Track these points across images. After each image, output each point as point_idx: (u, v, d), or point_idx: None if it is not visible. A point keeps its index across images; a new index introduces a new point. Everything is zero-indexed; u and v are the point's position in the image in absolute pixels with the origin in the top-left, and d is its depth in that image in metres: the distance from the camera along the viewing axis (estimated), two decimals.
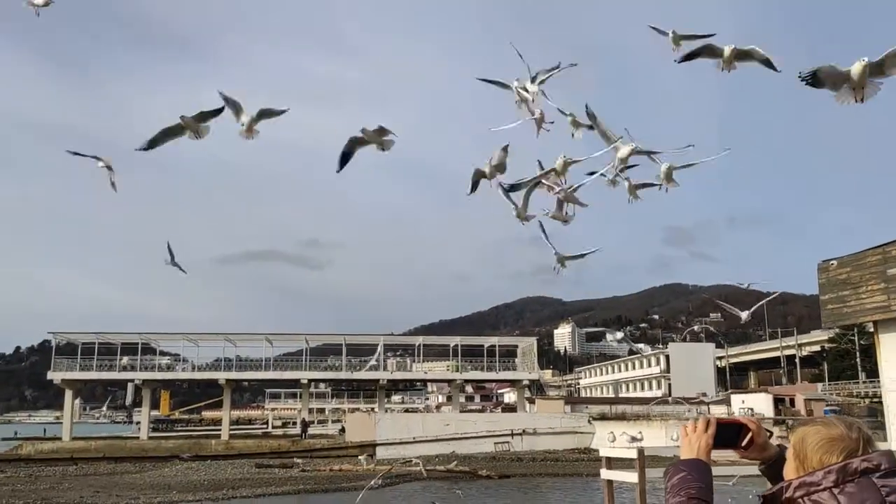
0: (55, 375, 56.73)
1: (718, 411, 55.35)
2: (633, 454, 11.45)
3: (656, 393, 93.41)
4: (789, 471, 2.14)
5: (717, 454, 2.34)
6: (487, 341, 64.82)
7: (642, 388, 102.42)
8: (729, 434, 2.30)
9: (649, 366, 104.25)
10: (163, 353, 63.22)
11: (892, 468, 1.96)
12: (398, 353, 77.36)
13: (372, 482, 27.91)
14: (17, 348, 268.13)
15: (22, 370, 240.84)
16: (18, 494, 29.97)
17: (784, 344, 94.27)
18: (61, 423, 58.16)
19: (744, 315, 14.55)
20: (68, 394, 57.41)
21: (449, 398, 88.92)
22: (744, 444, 2.31)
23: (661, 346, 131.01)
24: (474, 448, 47.32)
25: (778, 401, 53.68)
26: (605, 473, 12.17)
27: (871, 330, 14.44)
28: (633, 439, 11.05)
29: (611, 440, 11.43)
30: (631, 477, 11.64)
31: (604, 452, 12.45)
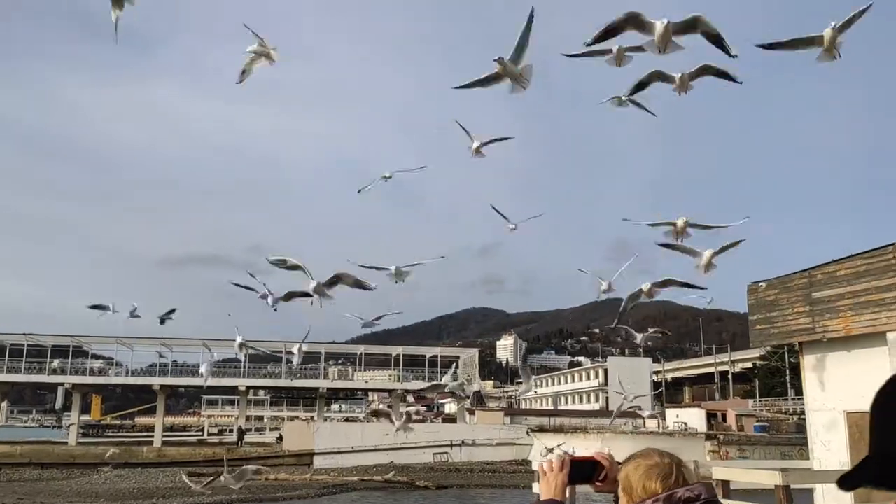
0: None
1: (654, 425, 56.45)
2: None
3: (594, 406, 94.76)
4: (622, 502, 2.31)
5: None
6: (430, 351, 64.86)
7: (581, 401, 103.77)
8: (585, 470, 2.42)
9: (588, 379, 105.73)
10: (95, 357, 61.40)
11: (710, 498, 2.18)
12: (340, 362, 76.73)
13: None
14: None
15: None
16: None
17: (718, 360, 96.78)
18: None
19: (639, 337, 15.53)
20: None
21: (389, 408, 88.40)
22: (600, 478, 2.44)
23: (600, 359, 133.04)
24: (413, 458, 47.25)
25: (710, 416, 54.92)
26: (537, 487, 12.32)
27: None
28: (566, 453, 11.22)
29: (544, 454, 11.59)
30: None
31: (536, 466, 12.59)
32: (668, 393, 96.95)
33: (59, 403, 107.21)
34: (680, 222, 9.00)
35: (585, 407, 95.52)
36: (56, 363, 56.57)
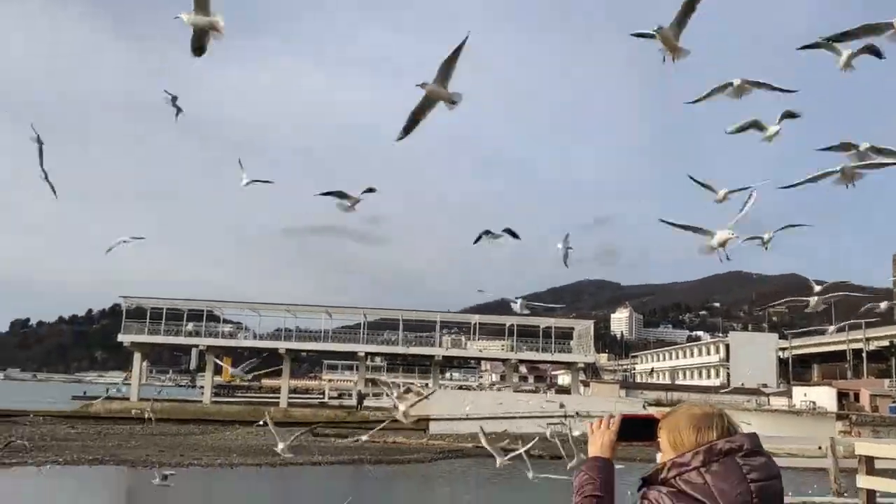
0: (125, 338, 59.07)
1: (779, 403, 54.21)
2: None
3: (714, 382, 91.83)
4: (665, 455, 2.28)
5: None
6: (544, 322, 64.63)
7: (700, 377, 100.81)
8: (641, 428, 2.38)
9: (708, 354, 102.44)
10: (226, 321, 65.07)
11: (753, 448, 2.15)
12: (453, 331, 77.77)
13: None
14: (89, 311, 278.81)
15: (93, 332, 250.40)
16: (88, 450, 31.45)
17: (850, 337, 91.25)
18: (129, 384, 60.46)
19: (812, 301, 13.28)
20: (137, 356, 59.68)
21: (502, 377, 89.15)
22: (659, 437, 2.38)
23: (720, 334, 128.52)
24: (526, 428, 47.46)
25: (842, 395, 52.21)
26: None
27: None
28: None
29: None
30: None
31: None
32: (795, 371, 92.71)
33: (192, 364, 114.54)
34: (863, 147, 7.95)
35: (705, 382, 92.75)
36: (191, 326, 60.27)
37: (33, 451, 29.89)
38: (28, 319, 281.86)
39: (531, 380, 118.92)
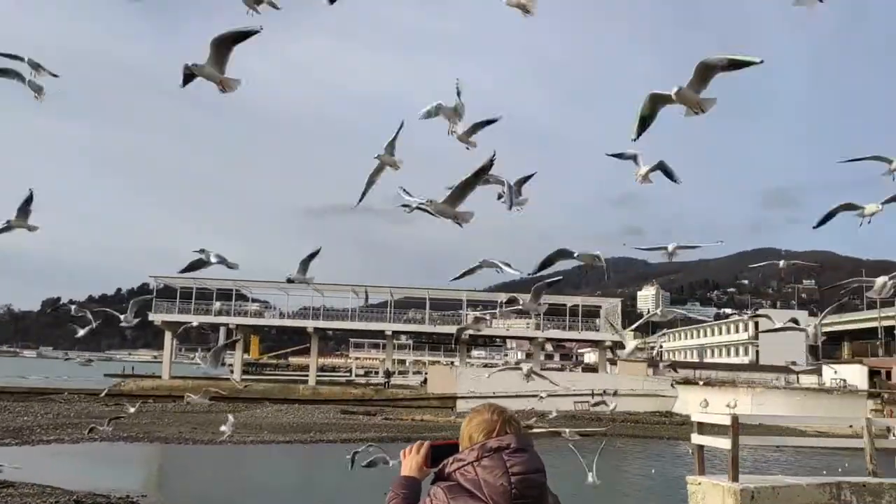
0: (156, 317, 59.85)
1: (809, 381, 53.67)
2: (727, 420, 11.31)
3: (742, 360, 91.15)
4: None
5: None
6: (570, 300, 64.43)
7: (728, 355, 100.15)
8: (450, 453, 2.64)
9: (736, 332, 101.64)
10: (254, 300, 65.65)
11: (519, 447, 2.47)
12: (478, 309, 77.72)
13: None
14: (118, 290, 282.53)
15: (122, 311, 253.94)
16: (122, 427, 31.93)
17: (883, 314, 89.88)
18: (160, 362, 61.34)
19: (878, 282, 9.42)
20: (167, 335, 60.53)
21: (528, 355, 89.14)
22: None
23: (748, 311, 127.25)
24: (552, 406, 47.48)
25: (873, 373, 51.52)
26: (697, 438, 12.06)
27: None
28: (728, 406, 10.94)
29: (704, 406, 11.35)
30: (723, 443, 11.50)
31: (696, 417, 12.39)
32: (825, 348, 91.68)
33: (220, 343, 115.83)
34: None
35: (733, 360, 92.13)
36: (219, 305, 60.81)
37: (69, 429, 30.53)
38: (59, 298, 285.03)
39: (557, 358, 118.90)
